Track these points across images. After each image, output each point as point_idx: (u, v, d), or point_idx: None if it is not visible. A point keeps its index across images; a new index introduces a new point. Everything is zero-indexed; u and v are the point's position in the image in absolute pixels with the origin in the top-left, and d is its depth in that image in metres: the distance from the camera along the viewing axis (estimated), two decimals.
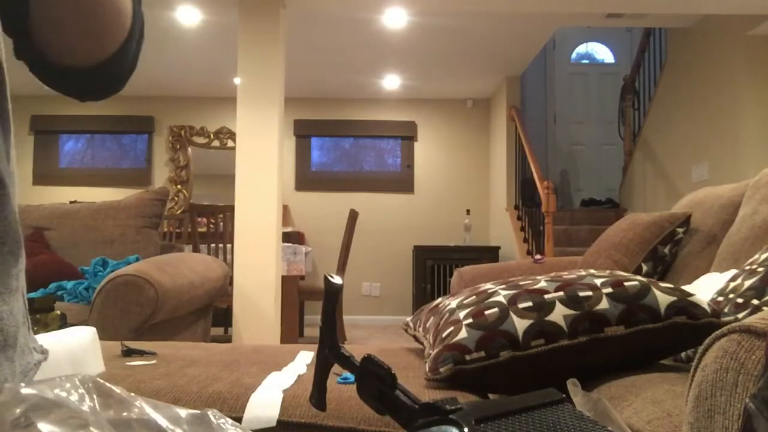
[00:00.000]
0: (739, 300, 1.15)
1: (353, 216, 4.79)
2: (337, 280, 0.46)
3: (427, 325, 1.40)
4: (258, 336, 3.41)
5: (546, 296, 1.18)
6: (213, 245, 4.02)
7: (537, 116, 6.62)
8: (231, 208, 3.63)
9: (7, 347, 0.45)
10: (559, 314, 1.14)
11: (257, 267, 3.44)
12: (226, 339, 4.35)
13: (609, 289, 1.17)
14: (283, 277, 3.68)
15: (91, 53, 0.51)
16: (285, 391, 1.06)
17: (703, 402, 0.64)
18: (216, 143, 6.27)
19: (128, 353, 1.37)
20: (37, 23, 0.48)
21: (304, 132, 6.34)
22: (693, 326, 1.12)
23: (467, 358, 1.13)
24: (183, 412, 0.32)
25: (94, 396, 0.29)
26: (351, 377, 0.43)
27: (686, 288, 1.27)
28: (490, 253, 5.57)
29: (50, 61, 0.51)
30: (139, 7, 0.55)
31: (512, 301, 1.20)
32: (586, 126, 6.67)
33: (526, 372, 1.15)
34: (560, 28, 5.42)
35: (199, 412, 0.33)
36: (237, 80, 3.61)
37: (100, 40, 0.51)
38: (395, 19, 4.29)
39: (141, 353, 1.37)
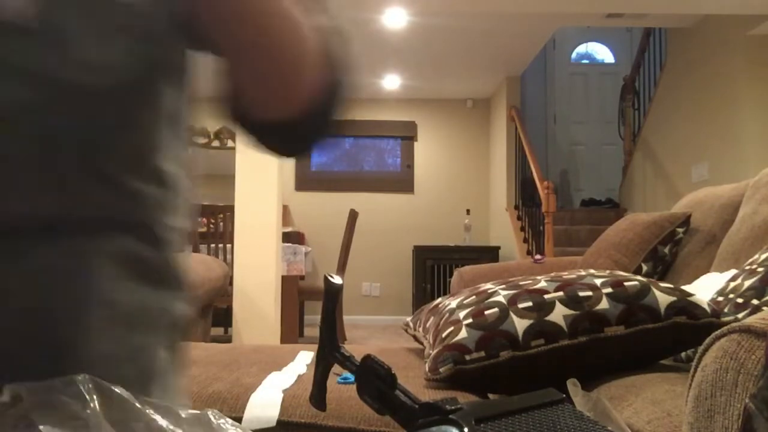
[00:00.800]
0: (739, 300, 1.15)
1: (353, 216, 4.79)
2: (337, 280, 0.46)
3: (427, 325, 1.40)
4: (258, 336, 3.41)
5: (546, 296, 1.18)
6: (213, 245, 4.02)
7: (537, 116, 6.61)
8: (231, 208, 3.63)
9: (142, 381, 0.45)
10: (559, 314, 1.14)
11: (257, 267, 3.44)
12: (226, 339, 4.35)
13: (609, 289, 1.17)
14: (283, 277, 3.68)
15: (281, 106, 0.49)
16: (285, 391, 1.06)
17: (703, 402, 0.64)
18: (216, 143, 6.27)
19: None
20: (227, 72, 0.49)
21: None
22: (693, 326, 1.12)
23: (467, 358, 1.13)
24: (183, 412, 0.32)
25: (95, 396, 0.29)
26: (351, 377, 0.43)
27: (686, 288, 1.27)
28: (490, 253, 5.57)
29: (245, 114, 0.50)
30: (335, 74, 0.50)
31: (512, 301, 1.20)
32: (586, 126, 6.67)
33: (526, 372, 1.15)
34: (560, 28, 5.42)
35: (199, 412, 0.33)
36: None
37: (283, 92, 0.48)
38: (395, 19, 4.28)
39: None
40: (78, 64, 0.40)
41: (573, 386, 0.49)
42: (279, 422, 0.98)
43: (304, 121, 0.50)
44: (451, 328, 1.21)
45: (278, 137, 0.52)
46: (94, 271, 0.42)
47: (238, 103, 0.50)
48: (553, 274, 1.31)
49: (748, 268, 1.23)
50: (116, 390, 0.30)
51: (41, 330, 0.40)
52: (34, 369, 0.37)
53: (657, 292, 1.16)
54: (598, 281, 1.21)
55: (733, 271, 1.35)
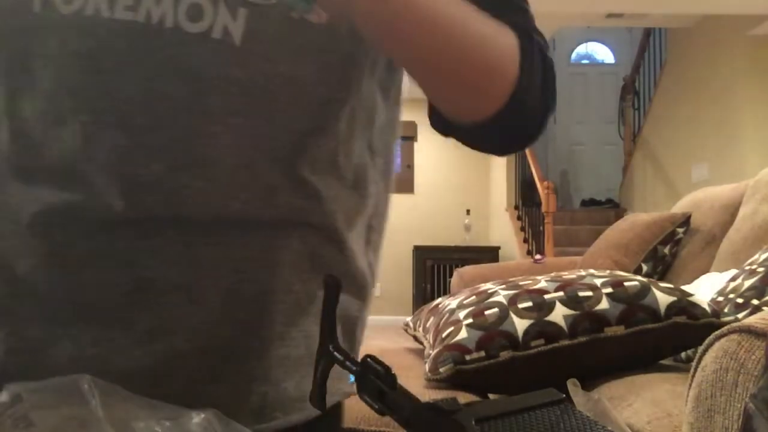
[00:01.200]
0: (739, 300, 1.16)
1: None
2: (337, 280, 0.46)
3: (427, 325, 1.40)
4: None
5: (546, 296, 1.18)
6: None
7: None
8: None
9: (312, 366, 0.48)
10: (559, 314, 1.14)
11: None
12: None
13: (609, 289, 1.17)
14: None
15: (470, 111, 0.50)
16: None
17: (703, 402, 0.64)
18: None
19: None
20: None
21: None
22: (693, 326, 1.12)
23: (467, 358, 1.13)
24: (183, 412, 0.32)
25: (95, 396, 0.29)
26: (351, 377, 0.43)
27: (686, 288, 1.27)
28: (490, 253, 5.57)
29: (443, 115, 0.52)
30: (531, 58, 0.49)
31: (512, 301, 1.20)
32: (586, 126, 6.67)
33: (526, 372, 1.15)
34: (560, 28, 5.42)
35: (198, 412, 0.33)
36: None
37: (475, 94, 0.49)
38: None
39: None
40: (275, 77, 0.45)
41: (573, 386, 0.49)
42: None
43: (502, 122, 0.50)
44: (451, 328, 1.21)
45: (483, 138, 0.54)
46: (281, 264, 0.47)
47: (434, 110, 0.53)
48: (553, 274, 1.31)
49: (748, 268, 1.23)
50: (117, 389, 0.30)
51: (236, 308, 0.45)
52: (228, 339, 0.45)
53: (657, 292, 1.16)
54: (598, 281, 1.21)
55: (733, 271, 1.35)
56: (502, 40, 0.47)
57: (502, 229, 5.77)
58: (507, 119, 0.49)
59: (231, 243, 0.45)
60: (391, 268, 6.23)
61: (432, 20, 0.43)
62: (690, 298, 1.15)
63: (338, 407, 0.57)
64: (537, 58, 0.50)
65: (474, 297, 1.29)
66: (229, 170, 0.44)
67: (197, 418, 0.32)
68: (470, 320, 1.19)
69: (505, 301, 1.20)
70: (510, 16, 0.49)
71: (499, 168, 5.87)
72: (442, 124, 0.54)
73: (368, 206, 0.54)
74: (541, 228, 4.50)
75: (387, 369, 0.39)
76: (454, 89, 0.49)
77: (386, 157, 0.59)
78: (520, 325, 1.14)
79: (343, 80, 0.49)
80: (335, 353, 0.46)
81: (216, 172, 0.44)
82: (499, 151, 0.61)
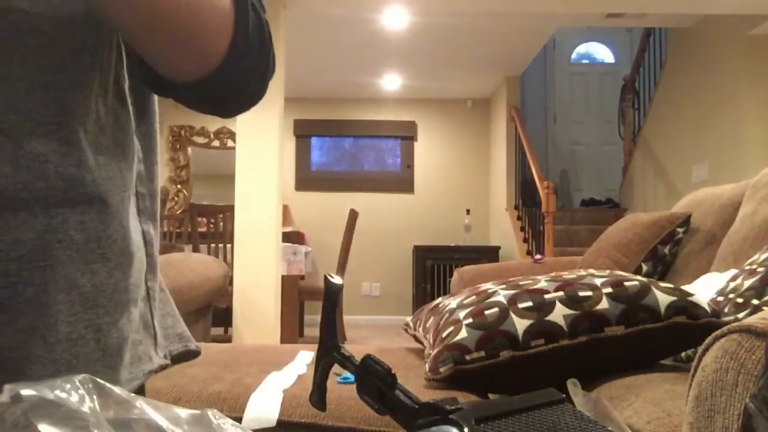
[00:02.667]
0: (739, 300, 1.15)
1: (353, 216, 4.79)
2: (337, 279, 0.46)
3: (427, 325, 1.40)
4: (258, 336, 3.41)
5: (546, 296, 1.18)
6: (213, 245, 4.02)
7: (537, 116, 6.62)
8: (231, 208, 3.63)
9: (107, 357, 0.47)
10: (559, 314, 1.14)
11: (257, 267, 3.45)
12: (226, 339, 4.35)
13: (609, 289, 1.17)
14: (283, 277, 3.68)
15: (186, 70, 0.48)
16: (285, 391, 1.06)
17: (703, 402, 0.64)
18: (216, 143, 6.27)
19: None
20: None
21: (304, 132, 6.34)
22: (693, 326, 1.12)
23: (467, 358, 1.13)
24: (183, 412, 0.32)
25: (94, 396, 0.29)
26: (351, 377, 0.43)
27: (686, 288, 1.27)
28: (490, 253, 5.57)
29: (160, 76, 0.50)
30: (245, 15, 0.48)
31: (512, 300, 1.20)
32: (586, 126, 6.67)
33: (526, 372, 1.15)
34: (560, 28, 5.42)
35: (199, 412, 0.33)
36: None
37: (189, 54, 0.47)
38: (395, 19, 4.28)
39: None
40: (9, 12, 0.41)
41: (573, 386, 0.49)
42: (279, 422, 0.98)
43: (219, 81, 0.49)
44: (451, 328, 1.21)
45: (202, 98, 0.52)
46: (59, 260, 0.43)
47: (149, 67, 0.49)
48: (553, 274, 1.31)
49: (748, 268, 1.23)
50: (116, 390, 0.30)
51: (12, 317, 0.41)
52: (7, 351, 0.41)
53: (657, 292, 1.16)
54: (598, 281, 1.21)
55: (733, 271, 1.35)
56: (216, 1, 0.46)
57: (502, 229, 5.77)
58: (224, 78, 0.49)
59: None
60: (391, 268, 6.23)
61: None
62: (690, 298, 1.15)
63: (140, 390, 0.55)
64: (252, 19, 0.49)
65: (474, 297, 1.29)
66: None
67: (196, 418, 0.32)
68: (470, 320, 1.19)
69: (505, 301, 1.20)
70: None
71: (499, 168, 5.87)
72: (161, 85, 0.51)
73: (133, 172, 0.51)
74: (541, 228, 4.50)
75: (387, 369, 0.39)
76: (167, 48, 0.46)
77: (144, 113, 0.55)
78: (520, 324, 1.14)
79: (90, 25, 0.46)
80: (335, 353, 0.46)
81: None
82: (220, 112, 0.56)
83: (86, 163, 0.44)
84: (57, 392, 0.28)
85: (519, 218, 5.36)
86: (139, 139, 0.53)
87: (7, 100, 0.40)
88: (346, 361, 0.44)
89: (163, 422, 0.30)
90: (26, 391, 0.27)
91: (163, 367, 0.56)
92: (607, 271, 1.28)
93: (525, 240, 5.15)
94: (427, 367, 1.18)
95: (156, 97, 0.58)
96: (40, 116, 0.42)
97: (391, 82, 5.79)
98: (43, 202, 0.42)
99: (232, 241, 3.58)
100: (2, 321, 0.41)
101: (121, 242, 0.48)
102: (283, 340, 3.63)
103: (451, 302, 1.35)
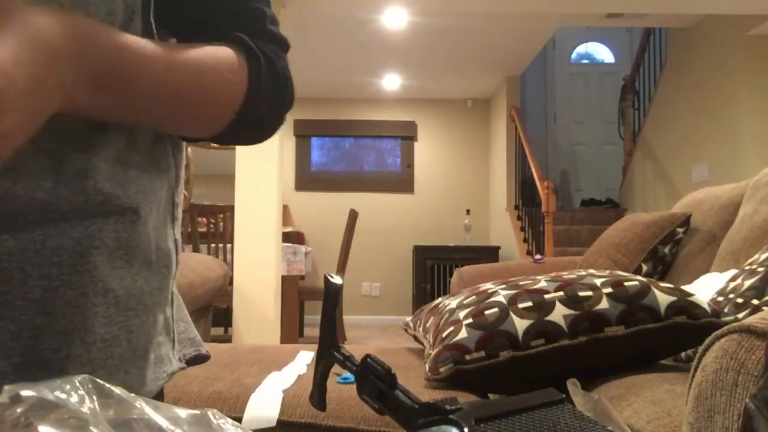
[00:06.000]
0: (739, 300, 1.15)
1: (353, 216, 4.79)
2: (337, 279, 0.46)
3: (427, 325, 1.40)
4: (258, 336, 3.41)
5: (546, 296, 1.18)
6: (213, 245, 4.02)
7: (537, 116, 6.61)
8: (231, 208, 3.63)
9: (136, 358, 0.49)
10: (559, 314, 1.14)
11: (257, 267, 3.44)
12: (226, 339, 4.35)
13: (609, 289, 1.17)
14: (283, 277, 3.68)
15: (203, 132, 0.54)
16: (285, 391, 1.06)
17: (703, 402, 0.64)
18: (216, 143, 6.27)
19: None
20: None
21: (304, 132, 6.34)
22: (693, 326, 1.12)
23: (467, 358, 1.13)
24: (183, 412, 0.32)
25: (94, 397, 0.29)
26: (351, 377, 0.43)
27: (686, 288, 1.27)
28: (490, 253, 5.57)
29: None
30: (257, 75, 0.53)
31: (512, 300, 1.20)
32: (586, 126, 6.67)
33: (526, 372, 1.15)
34: (560, 28, 5.42)
35: (199, 412, 0.33)
36: None
37: (200, 124, 0.52)
38: (395, 19, 4.28)
39: None
40: None
41: (573, 386, 0.49)
42: (279, 422, 0.98)
43: (233, 131, 0.54)
44: (451, 328, 1.21)
45: (221, 140, 0.57)
46: (96, 265, 0.46)
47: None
48: (553, 274, 1.31)
49: (748, 268, 1.23)
50: (116, 390, 0.30)
51: (51, 319, 0.43)
52: (47, 351, 0.42)
53: (657, 292, 1.16)
54: (598, 281, 1.21)
55: (733, 271, 1.35)
56: (222, 68, 0.50)
57: (502, 229, 5.77)
58: (236, 130, 0.54)
59: (38, 244, 0.42)
60: (391, 268, 6.23)
61: (147, 89, 0.44)
62: (690, 298, 1.15)
63: (159, 394, 0.58)
64: (264, 74, 0.54)
65: (474, 297, 1.29)
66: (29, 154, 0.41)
67: (196, 418, 0.32)
68: (470, 320, 1.19)
69: (505, 301, 1.20)
70: (236, 26, 0.54)
71: (499, 168, 5.87)
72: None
73: (170, 181, 0.55)
74: (541, 228, 4.50)
75: (387, 369, 0.39)
76: (179, 126, 0.52)
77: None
78: (520, 324, 1.14)
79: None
80: (335, 353, 0.46)
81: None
82: (241, 145, 0.64)
83: (120, 178, 0.47)
84: (57, 393, 0.28)
85: (519, 218, 5.36)
86: (173, 154, 0.57)
87: (50, 121, 0.40)
88: (346, 361, 0.44)
89: (163, 422, 0.30)
90: (26, 392, 0.27)
91: (175, 371, 0.57)
92: (607, 271, 1.28)
93: (525, 240, 5.15)
94: (427, 367, 1.18)
95: None
96: (80, 136, 0.45)
97: (391, 82, 5.79)
98: (80, 213, 0.44)
99: (232, 241, 3.58)
100: (45, 322, 0.43)
101: (146, 249, 0.50)
102: (283, 340, 3.63)
103: (451, 302, 1.35)
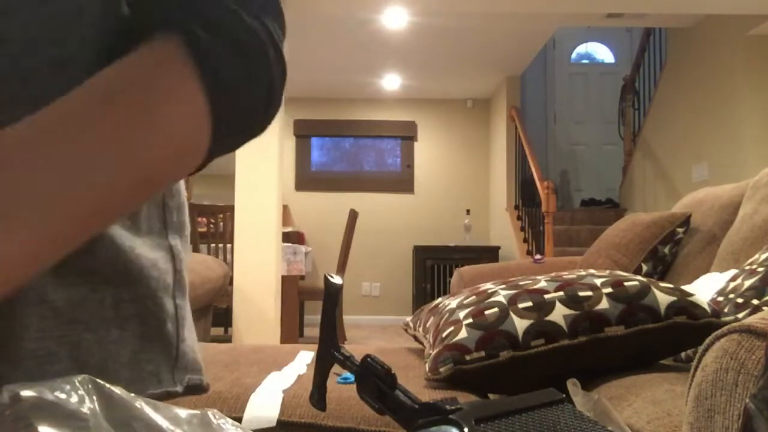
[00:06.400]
0: (739, 300, 1.15)
1: (353, 216, 4.79)
2: (337, 279, 0.46)
3: (427, 325, 1.40)
4: (258, 336, 3.41)
5: (546, 296, 1.18)
6: (213, 245, 4.02)
7: (537, 116, 6.62)
8: (231, 208, 3.63)
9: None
10: (559, 314, 1.14)
11: (257, 267, 3.45)
12: (226, 339, 4.35)
13: (609, 289, 1.17)
14: (283, 277, 3.68)
15: (170, 181, 0.43)
16: (285, 391, 1.06)
17: (703, 402, 0.64)
18: None
19: None
20: None
21: (304, 132, 6.34)
22: (693, 326, 1.12)
23: (467, 358, 1.13)
24: (183, 412, 0.32)
25: (94, 397, 0.29)
26: (351, 377, 0.43)
27: (686, 288, 1.27)
28: (490, 253, 5.57)
29: None
30: (222, 107, 0.38)
31: (512, 300, 1.20)
32: (586, 126, 6.67)
33: (526, 372, 1.15)
34: (560, 28, 5.42)
35: (199, 412, 0.33)
36: None
37: (168, 181, 0.41)
38: (395, 19, 4.28)
39: None
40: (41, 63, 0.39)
41: (573, 386, 0.49)
42: (279, 422, 0.98)
43: (214, 150, 0.42)
44: (451, 328, 1.21)
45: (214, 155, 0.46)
46: None
47: None
48: (553, 274, 1.31)
49: (748, 268, 1.23)
50: (116, 390, 0.30)
51: None
52: None
53: (657, 292, 1.16)
54: (598, 281, 1.21)
55: (733, 271, 1.35)
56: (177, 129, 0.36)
57: (502, 229, 5.77)
58: (214, 158, 0.42)
59: None
60: (391, 268, 6.23)
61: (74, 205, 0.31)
62: (690, 298, 1.15)
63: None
64: (226, 60, 0.38)
65: (474, 297, 1.29)
66: None
67: (196, 418, 0.32)
68: (470, 320, 1.19)
69: (505, 301, 1.20)
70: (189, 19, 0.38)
71: (499, 168, 5.87)
72: None
73: (106, 239, 0.47)
74: (541, 228, 4.50)
75: (387, 369, 0.39)
76: (136, 204, 0.42)
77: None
78: (520, 324, 1.14)
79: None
80: (335, 353, 0.46)
81: None
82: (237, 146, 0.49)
83: None
84: (57, 393, 0.28)
85: (519, 218, 5.36)
86: None
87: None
88: (346, 361, 0.44)
89: (163, 422, 0.30)
90: (26, 392, 0.27)
91: (170, 394, 0.52)
92: (607, 271, 1.28)
93: (525, 240, 5.15)
94: (427, 367, 1.18)
95: None
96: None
97: (391, 82, 5.79)
98: None
99: (232, 241, 3.58)
100: None
101: (113, 257, 0.45)
102: (283, 340, 3.63)
103: (451, 302, 1.35)
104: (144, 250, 0.48)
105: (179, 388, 0.52)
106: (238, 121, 0.41)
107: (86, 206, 0.32)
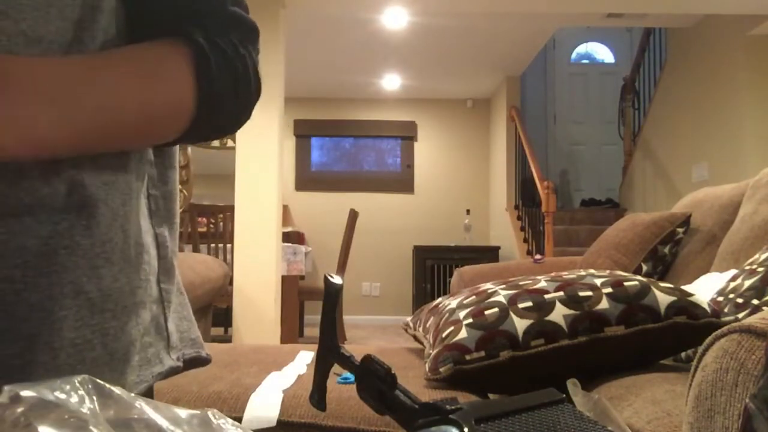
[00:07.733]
0: (739, 300, 1.15)
1: (353, 216, 4.79)
2: (337, 279, 0.46)
3: (427, 325, 1.40)
4: (258, 336, 3.41)
5: (546, 296, 1.18)
6: (213, 245, 4.02)
7: (537, 116, 6.61)
8: (231, 208, 3.63)
9: (115, 361, 0.47)
10: (559, 314, 1.14)
11: (257, 267, 3.44)
12: (226, 339, 4.35)
13: (609, 289, 1.17)
14: (283, 277, 3.68)
15: (149, 145, 0.51)
16: (285, 391, 1.06)
17: (703, 402, 0.64)
18: (216, 143, 6.27)
19: None
20: None
21: (304, 132, 6.34)
22: (693, 326, 1.12)
23: (467, 358, 1.13)
24: (183, 412, 0.32)
25: (94, 397, 0.29)
26: (351, 377, 0.43)
27: (686, 288, 1.27)
28: (490, 253, 5.57)
29: None
30: (208, 84, 0.49)
31: (512, 300, 1.20)
32: (586, 126, 6.67)
33: (526, 372, 1.15)
34: (560, 28, 5.42)
35: (199, 412, 0.33)
36: None
37: (150, 139, 0.50)
38: (395, 19, 4.28)
39: None
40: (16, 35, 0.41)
41: (573, 386, 0.49)
42: (279, 422, 0.98)
43: (190, 136, 0.51)
44: (451, 328, 1.21)
45: (182, 141, 0.54)
46: (66, 266, 0.44)
47: None
48: (553, 274, 1.31)
49: (748, 268, 1.23)
50: (116, 390, 0.30)
51: (16, 324, 0.42)
52: (10, 357, 0.41)
53: (657, 292, 1.16)
54: (598, 281, 1.21)
55: (733, 271, 1.35)
56: (166, 78, 0.47)
57: (502, 229, 5.77)
58: (194, 135, 0.51)
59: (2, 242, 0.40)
60: (391, 268, 6.23)
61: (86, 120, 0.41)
62: (690, 298, 1.15)
63: (148, 394, 0.55)
64: (218, 80, 0.50)
65: (474, 297, 1.29)
66: None
67: (196, 418, 0.32)
68: (470, 320, 1.19)
69: (505, 301, 1.20)
70: (190, 8, 0.50)
71: (499, 168, 5.87)
72: None
73: (137, 174, 0.51)
74: (541, 228, 4.50)
75: (387, 369, 0.39)
76: (128, 145, 0.48)
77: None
78: (520, 324, 1.14)
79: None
80: (335, 353, 0.46)
81: None
82: (206, 140, 0.59)
83: (84, 166, 0.44)
84: (57, 393, 0.28)
85: (519, 218, 5.36)
86: None
87: None
88: (346, 361, 0.44)
89: (163, 422, 0.30)
90: (26, 392, 0.27)
91: (174, 370, 0.56)
92: (607, 271, 1.28)
93: (525, 240, 5.15)
94: (427, 367, 1.18)
95: None
96: None
97: (391, 82, 5.79)
98: (47, 207, 0.42)
99: (232, 241, 3.58)
100: (4, 328, 0.40)
101: (123, 245, 0.48)
102: (283, 340, 3.63)
103: (451, 302, 1.35)
104: (140, 236, 0.51)
105: (180, 363, 0.57)
106: (213, 110, 0.51)
107: (109, 118, 0.43)
